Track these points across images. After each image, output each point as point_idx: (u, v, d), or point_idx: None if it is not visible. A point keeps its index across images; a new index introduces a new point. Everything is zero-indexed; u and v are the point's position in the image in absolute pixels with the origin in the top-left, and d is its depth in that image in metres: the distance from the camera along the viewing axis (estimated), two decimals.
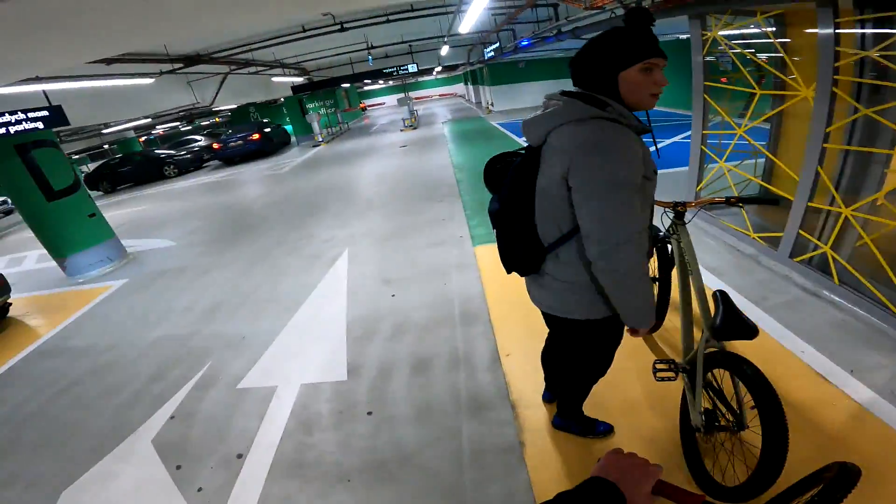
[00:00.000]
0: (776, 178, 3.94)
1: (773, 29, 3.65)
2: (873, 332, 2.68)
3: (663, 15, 4.20)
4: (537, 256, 1.48)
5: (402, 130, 18.41)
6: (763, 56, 3.82)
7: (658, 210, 1.85)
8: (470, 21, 7.19)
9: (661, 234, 2.25)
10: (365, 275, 4.59)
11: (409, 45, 15.33)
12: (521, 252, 1.51)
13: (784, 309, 2.98)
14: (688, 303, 1.95)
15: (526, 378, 2.66)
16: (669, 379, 1.93)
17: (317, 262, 5.15)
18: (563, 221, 1.36)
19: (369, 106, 38.82)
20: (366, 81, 20.96)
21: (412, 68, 15.74)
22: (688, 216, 1.97)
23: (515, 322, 3.21)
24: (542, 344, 2.19)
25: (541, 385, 2.47)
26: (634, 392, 2.45)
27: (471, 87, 28.93)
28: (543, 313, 1.71)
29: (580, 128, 1.23)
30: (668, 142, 8.26)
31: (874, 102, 2.68)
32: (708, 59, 4.03)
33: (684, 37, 10.05)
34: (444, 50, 13.94)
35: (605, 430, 2.20)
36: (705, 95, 4.13)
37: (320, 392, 2.91)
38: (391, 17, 8.63)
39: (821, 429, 2.11)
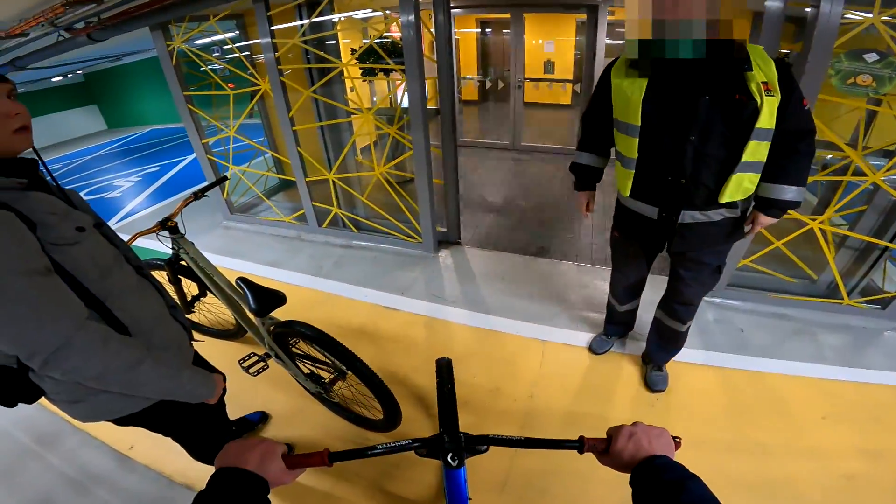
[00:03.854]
0: (285, 166, 4.39)
1: (236, 33, 3.88)
2: (399, 257, 3.51)
3: (115, 32, 3.73)
4: (15, 382, 1.04)
5: None
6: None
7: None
8: None
9: (171, 256, 2.10)
10: None
11: None
12: None
13: (336, 268, 3.46)
14: (231, 301, 1.99)
15: (172, 454, 1.99)
16: (263, 370, 1.93)
17: None
18: None
19: None
20: None
21: None
22: (182, 227, 1.98)
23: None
24: None
25: None
26: (251, 396, 2.33)
27: None
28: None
29: None
30: (188, 159, 7.94)
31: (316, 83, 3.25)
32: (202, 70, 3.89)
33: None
34: None
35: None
36: (189, 106, 4.02)
37: None
38: None
39: (407, 344, 2.64)
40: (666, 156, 1.54)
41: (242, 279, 1.73)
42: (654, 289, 2.29)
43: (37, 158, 1.04)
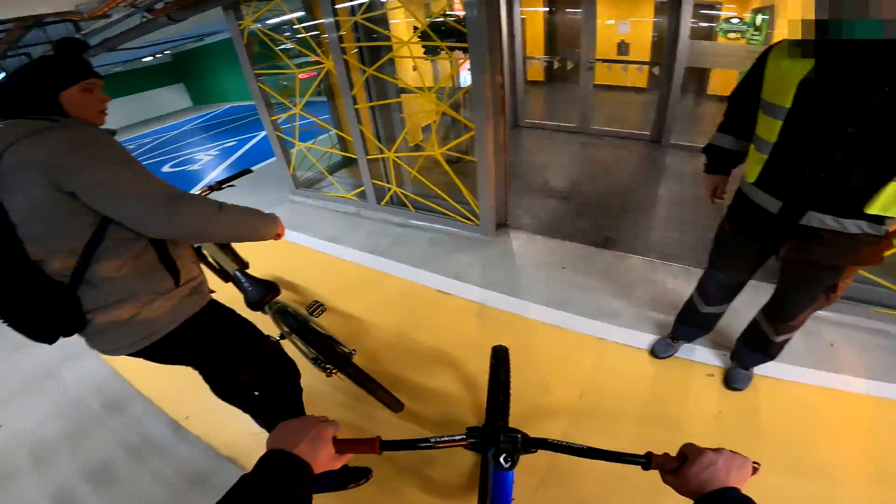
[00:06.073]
0: (348, 144, 4.44)
1: (302, 13, 3.94)
2: (456, 239, 3.44)
3: (191, 12, 3.93)
4: (64, 303, 1.18)
5: None
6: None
7: None
8: None
9: None
10: None
11: None
12: (43, 312, 1.17)
13: (392, 247, 3.45)
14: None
15: (221, 427, 2.19)
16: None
17: None
18: (75, 237, 1.14)
19: None
20: None
21: None
22: None
23: (170, 381, 2.51)
24: (205, 385, 1.76)
25: (241, 424, 2.04)
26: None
27: None
28: (139, 354, 1.35)
29: (50, 134, 1.09)
30: (261, 135, 8.30)
31: (374, 62, 3.22)
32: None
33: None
34: None
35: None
36: (259, 83, 4.14)
37: None
38: None
39: (458, 331, 2.59)
40: (811, 144, 1.38)
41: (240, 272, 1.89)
42: (750, 295, 2.04)
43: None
